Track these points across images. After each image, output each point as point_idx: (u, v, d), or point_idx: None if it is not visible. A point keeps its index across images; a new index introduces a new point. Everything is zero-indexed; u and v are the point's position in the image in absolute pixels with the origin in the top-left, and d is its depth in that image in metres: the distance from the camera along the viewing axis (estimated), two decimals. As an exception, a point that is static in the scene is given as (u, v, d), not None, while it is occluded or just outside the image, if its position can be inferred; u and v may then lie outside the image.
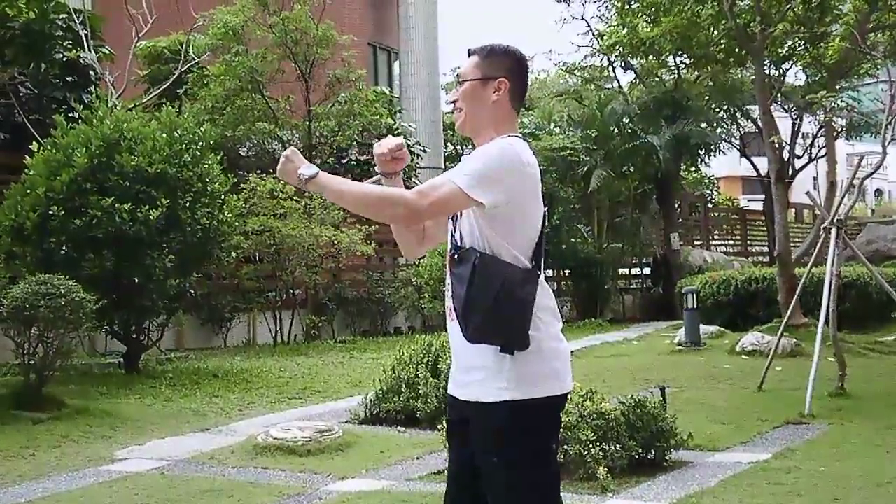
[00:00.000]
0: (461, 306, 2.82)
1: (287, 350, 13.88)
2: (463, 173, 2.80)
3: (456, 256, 2.87)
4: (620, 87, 21.72)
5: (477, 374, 2.84)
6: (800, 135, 22.89)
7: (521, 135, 2.99)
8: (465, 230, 2.88)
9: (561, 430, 5.64)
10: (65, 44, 13.45)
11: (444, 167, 20.12)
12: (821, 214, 9.90)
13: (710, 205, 27.38)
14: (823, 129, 22.36)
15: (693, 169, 24.83)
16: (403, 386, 7.77)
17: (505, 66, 2.97)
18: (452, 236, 2.93)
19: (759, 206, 27.47)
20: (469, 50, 3.03)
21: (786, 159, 20.47)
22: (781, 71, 19.36)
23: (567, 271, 20.33)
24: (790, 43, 16.79)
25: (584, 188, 19.60)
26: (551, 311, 2.90)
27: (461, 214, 2.91)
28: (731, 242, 27.41)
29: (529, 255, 2.85)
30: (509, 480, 2.81)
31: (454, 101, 3.02)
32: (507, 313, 2.78)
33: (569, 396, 3.01)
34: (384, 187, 2.93)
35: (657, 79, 21.00)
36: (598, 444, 5.71)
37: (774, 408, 8.22)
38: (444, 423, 3.15)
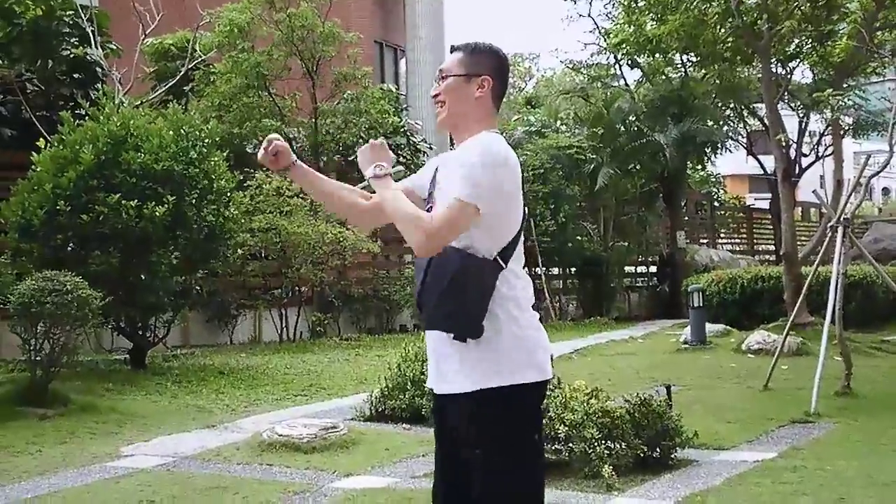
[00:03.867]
0: (417, 294, 2.92)
1: (292, 347, 13.90)
2: (461, 186, 2.81)
3: None
4: (627, 85, 21.69)
5: (454, 364, 2.86)
6: (806, 133, 22.86)
7: (498, 131, 3.01)
8: None
9: (566, 428, 5.68)
10: (72, 41, 13.50)
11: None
12: (827, 213, 9.90)
13: (716, 203, 27.33)
14: (830, 128, 22.33)
15: (699, 167, 24.79)
16: (409, 383, 7.77)
17: (489, 64, 3.00)
18: None
19: (765, 204, 27.48)
20: (452, 46, 3.07)
21: (792, 158, 20.44)
22: (788, 69, 19.33)
23: (573, 269, 20.32)
24: (797, 41, 16.74)
25: (591, 186, 19.59)
26: (527, 300, 2.91)
27: (435, 203, 2.93)
28: (738, 241, 27.39)
29: (500, 247, 2.85)
30: (493, 470, 2.81)
31: (436, 95, 3.02)
32: (456, 302, 2.80)
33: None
34: (417, 210, 2.90)
35: (664, 77, 20.97)
36: (603, 442, 5.71)
37: (780, 407, 8.22)
38: (433, 418, 3.14)
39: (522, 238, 2.95)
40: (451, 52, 3.05)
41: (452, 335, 2.83)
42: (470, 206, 2.78)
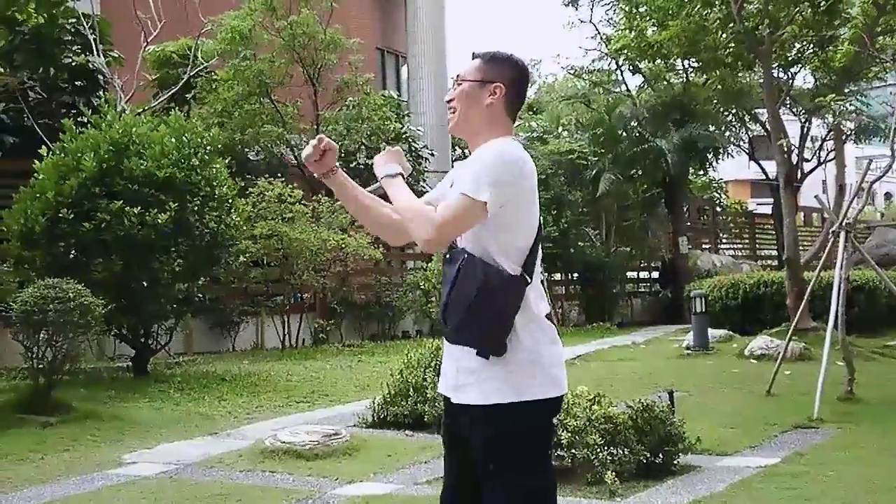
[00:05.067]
0: (443, 305, 2.88)
1: (295, 354, 13.89)
2: (467, 182, 2.80)
3: (447, 255, 2.90)
4: (628, 90, 21.70)
5: (473, 376, 2.83)
6: (808, 138, 22.83)
7: (515, 138, 3.00)
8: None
9: (568, 434, 5.68)
10: (74, 48, 13.52)
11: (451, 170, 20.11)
12: (829, 218, 9.89)
13: (718, 208, 27.34)
14: (832, 133, 22.29)
15: (701, 172, 24.80)
16: (411, 390, 7.76)
17: (504, 72, 2.98)
18: None
19: (767, 209, 27.42)
20: (473, 53, 3.05)
21: (794, 163, 20.43)
22: (790, 74, 19.32)
23: (575, 275, 20.32)
24: (798, 46, 16.74)
25: (592, 192, 19.59)
26: (544, 312, 2.90)
27: None
28: (740, 246, 27.35)
29: (521, 259, 2.84)
30: (505, 486, 2.80)
31: (450, 101, 3.01)
32: (483, 316, 2.78)
33: (566, 399, 3.00)
34: (424, 206, 2.90)
35: (665, 82, 20.98)
36: (606, 448, 5.70)
37: (783, 412, 8.21)
38: (442, 426, 3.12)
39: (540, 247, 2.93)
40: (472, 59, 3.03)
41: (476, 351, 2.82)
42: (476, 203, 2.75)
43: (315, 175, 3.08)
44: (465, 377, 2.86)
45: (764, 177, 24.50)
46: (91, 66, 13.47)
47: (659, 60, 19.55)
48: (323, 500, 5.64)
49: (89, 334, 8.81)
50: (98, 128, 10.39)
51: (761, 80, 15.21)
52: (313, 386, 10.46)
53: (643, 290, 22.58)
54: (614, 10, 20.37)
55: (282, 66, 16.77)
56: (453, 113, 3.01)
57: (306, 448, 6.73)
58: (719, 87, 19.08)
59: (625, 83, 21.90)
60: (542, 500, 2.86)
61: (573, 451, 5.73)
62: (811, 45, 16.57)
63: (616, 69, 21.58)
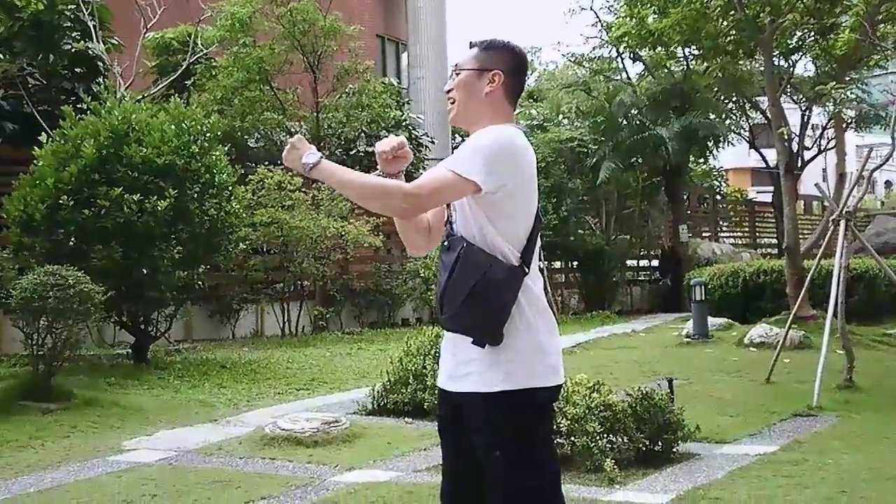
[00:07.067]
0: (440, 293, 2.87)
1: (295, 341, 13.91)
2: (458, 159, 2.79)
3: (445, 243, 2.89)
4: (629, 78, 21.65)
5: (473, 365, 2.83)
6: (809, 126, 22.77)
7: (517, 126, 2.98)
8: (460, 217, 2.87)
9: (568, 422, 5.68)
10: (73, 35, 13.47)
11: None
12: (830, 206, 9.88)
13: (718, 197, 27.31)
14: (833, 121, 22.25)
15: (702, 161, 24.77)
16: (411, 377, 7.77)
17: (502, 59, 2.97)
18: (448, 222, 2.93)
19: (767, 197, 27.41)
20: (471, 42, 3.03)
21: (795, 151, 20.37)
22: (791, 62, 19.28)
23: (575, 263, 20.32)
24: (799, 34, 16.69)
25: (593, 180, 19.56)
26: (543, 300, 2.90)
27: (457, 202, 2.90)
28: (740, 234, 27.36)
29: (520, 248, 2.83)
30: (507, 474, 2.79)
31: (449, 91, 3.00)
32: (480, 307, 2.77)
33: (566, 387, 2.99)
34: (384, 178, 2.90)
35: (666, 70, 20.93)
36: (605, 435, 5.71)
37: (782, 400, 8.22)
38: (437, 417, 3.12)
39: (539, 236, 2.92)
40: (469, 48, 3.01)
41: (472, 340, 2.82)
42: (465, 182, 2.74)
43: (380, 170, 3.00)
44: (464, 367, 2.86)
45: (764, 165, 24.50)
46: (91, 52, 13.44)
47: (659, 48, 19.47)
48: (322, 487, 5.65)
49: (89, 321, 8.83)
50: (98, 115, 10.38)
51: (762, 68, 15.18)
52: (313, 373, 10.48)
53: (643, 278, 22.59)
54: (615, -2, 20.31)
55: (282, 54, 16.74)
56: (453, 104, 2.99)
57: (306, 435, 6.74)
58: (720, 74, 19.02)
59: (625, 71, 21.85)
60: (540, 486, 2.86)
61: (572, 438, 5.73)
62: (812, 33, 16.51)
63: (616, 57, 21.51)
